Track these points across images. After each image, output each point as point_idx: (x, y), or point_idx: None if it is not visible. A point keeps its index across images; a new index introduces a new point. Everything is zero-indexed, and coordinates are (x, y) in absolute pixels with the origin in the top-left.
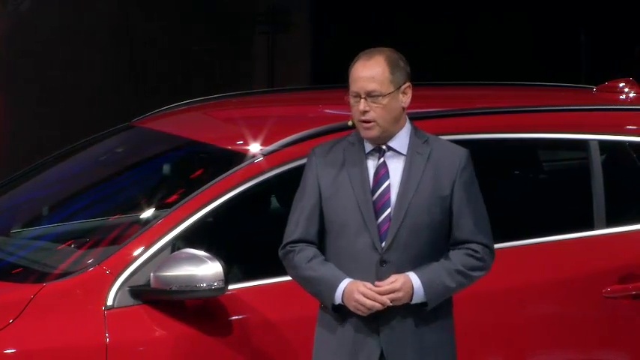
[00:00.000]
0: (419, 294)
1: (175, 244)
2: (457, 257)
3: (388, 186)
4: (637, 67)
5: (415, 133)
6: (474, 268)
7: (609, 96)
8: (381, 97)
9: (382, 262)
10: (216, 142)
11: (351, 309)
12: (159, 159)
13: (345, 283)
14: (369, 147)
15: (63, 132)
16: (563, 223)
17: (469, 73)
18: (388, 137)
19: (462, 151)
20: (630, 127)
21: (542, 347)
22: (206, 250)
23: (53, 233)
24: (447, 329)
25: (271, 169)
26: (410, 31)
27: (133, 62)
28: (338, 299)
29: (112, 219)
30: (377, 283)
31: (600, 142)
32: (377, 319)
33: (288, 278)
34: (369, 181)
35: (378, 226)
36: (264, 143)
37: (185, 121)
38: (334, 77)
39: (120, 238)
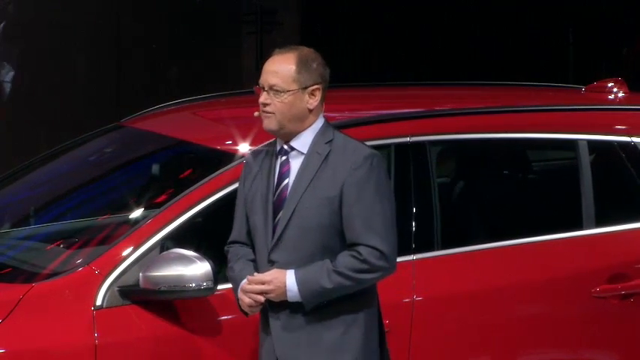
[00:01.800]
0: (293, 291)
1: (164, 244)
2: (342, 259)
3: (286, 185)
4: (625, 68)
5: (323, 132)
6: (357, 271)
7: (598, 96)
8: (282, 93)
9: (270, 261)
10: (205, 142)
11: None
12: (148, 159)
13: (244, 282)
14: (278, 148)
15: (49, 132)
16: (552, 223)
17: (458, 73)
18: (289, 135)
19: (363, 153)
20: (619, 127)
21: (531, 347)
22: (195, 250)
23: (42, 233)
24: (355, 327)
25: None
26: (398, 30)
27: (121, 62)
28: None
29: (101, 219)
30: (252, 275)
31: (589, 142)
32: (270, 319)
33: None
34: (273, 181)
35: (274, 226)
36: (252, 143)
37: (174, 121)
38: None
39: (109, 238)
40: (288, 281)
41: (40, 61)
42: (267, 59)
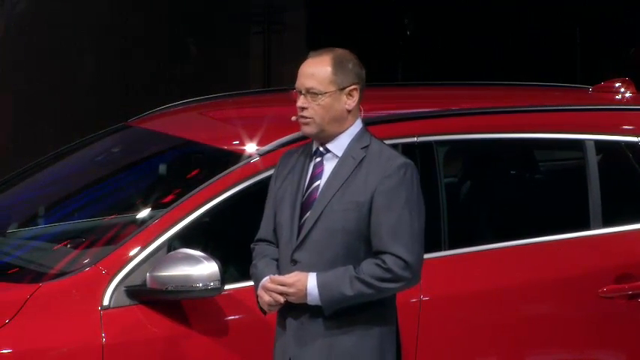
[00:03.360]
0: (313, 295)
1: (171, 244)
2: (366, 266)
3: (316, 187)
4: (633, 68)
5: (359, 137)
6: (380, 280)
7: (605, 96)
8: (319, 95)
9: (293, 261)
10: (212, 142)
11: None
12: (155, 159)
13: (265, 280)
14: (313, 149)
15: (55, 132)
16: (559, 223)
17: (465, 73)
18: (328, 138)
19: (397, 162)
20: (626, 127)
21: (538, 347)
22: (202, 250)
23: (49, 233)
24: (367, 337)
25: (267, 169)
26: (404, 30)
27: (128, 62)
28: None
29: (108, 219)
30: (275, 275)
31: (596, 142)
32: (288, 318)
33: None
34: (305, 182)
35: (299, 226)
36: (260, 143)
37: (181, 121)
38: None
39: (116, 238)
40: (309, 285)
41: (46, 62)
42: (303, 62)
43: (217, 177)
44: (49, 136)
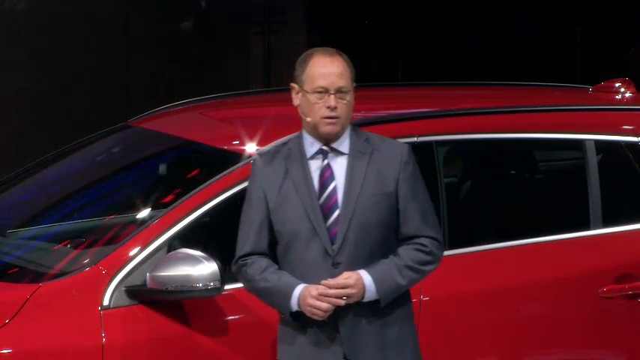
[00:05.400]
0: (371, 291)
1: (171, 244)
2: (407, 253)
3: (334, 188)
4: (632, 68)
5: (355, 132)
6: (424, 263)
7: (605, 96)
8: (346, 94)
9: (335, 264)
10: (212, 142)
11: (307, 314)
12: (155, 159)
13: (299, 289)
14: (310, 151)
15: (56, 132)
16: (559, 223)
17: (465, 73)
18: (336, 137)
19: (403, 147)
20: (626, 127)
21: (538, 347)
22: (202, 250)
23: (49, 233)
24: (406, 322)
25: None
26: (405, 30)
27: (128, 62)
28: (294, 306)
29: (108, 219)
30: (330, 280)
31: (596, 142)
32: (336, 322)
33: None
34: (314, 185)
35: (328, 230)
36: (260, 143)
37: (181, 121)
38: None
39: (116, 238)
40: (367, 282)
41: (46, 61)
42: (314, 63)
43: (217, 177)
44: (49, 137)
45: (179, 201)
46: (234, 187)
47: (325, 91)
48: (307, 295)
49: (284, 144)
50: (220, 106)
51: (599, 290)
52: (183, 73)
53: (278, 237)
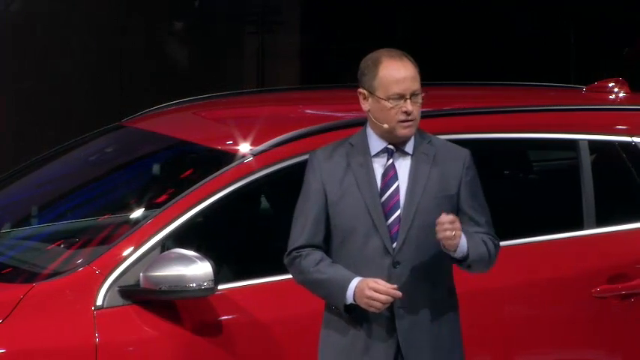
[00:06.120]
0: (462, 246)
1: (165, 244)
2: (485, 237)
3: (397, 188)
4: (626, 68)
5: (419, 133)
6: (495, 252)
7: (599, 96)
8: (419, 96)
9: (395, 263)
10: (205, 142)
11: (364, 307)
12: (148, 159)
13: (355, 281)
14: (375, 148)
15: (50, 132)
16: (552, 223)
17: (459, 73)
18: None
19: (465, 152)
20: (620, 127)
21: (531, 347)
22: (196, 250)
23: (43, 233)
24: (457, 330)
25: (261, 169)
26: (399, 30)
27: (122, 62)
28: (350, 299)
29: (102, 219)
30: (443, 216)
31: (590, 142)
32: (392, 319)
33: (278, 278)
34: (376, 183)
35: (388, 228)
36: (253, 143)
37: (175, 121)
38: (324, 77)
39: (109, 238)
40: (461, 242)
41: (40, 61)
42: (386, 68)
43: (211, 177)
44: (47, 137)
45: (172, 201)
46: (227, 187)
47: (401, 97)
48: (365, 287)
49: (344, 140)
50: (214, 106)
51: (593, 290)
52: (178, 73)
53: (334, 231)
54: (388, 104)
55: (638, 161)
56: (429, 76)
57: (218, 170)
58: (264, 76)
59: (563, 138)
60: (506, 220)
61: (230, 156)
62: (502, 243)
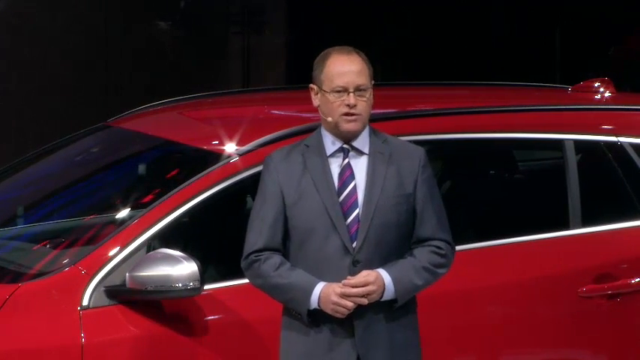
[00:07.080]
0: (389, 290)
1: (151, 244)
2: (423, 255)
3: (354, 187)
4: (612, 68)
5: (373, 132)
6: (438, 265)
7: (585, 96)
8: (366, 92)
9: (355, 262)
10: (191, 142)
11: (329, 312)
12: (134, 159)
13: (319, 287)
14: (330, 149)
15: (35, 132)
16: (538, 223)
17: (445, 72)
18: (356, 135)
19: (421, 150)
20: (605, 126)
21: (517, 347)
22: (182, 250)
23: (29, 233)
24: (413, 328)
25: (247, 169)
26: (385, 30)
27: (108, 61)
28: (314, 304)
29: (88, 219)
30: (349, 278)
31: (576, 141)
32: (351, 321)
33: None
34: (334, 183)
35: (348, 227)
36: (239, 143)
37: (160, 121)
38: (310, 77)
39: (95, 238)
40: (386, 281)
41: (26, 62)
42: (332, 62)
43: (196, 177)
44: (33, 137)
45: (158, 201)
46: (213, 187)
47: (344, 90)
48: (331, 293)
49: (299, 142)
50: (199, 106)
51: (579, 290)
52: (163, 74)
53: (292, 232)
54: (331, 97)
55: (624, 161)
56: (413, 75)
57: (204, 170)
58: (250, 75)
59: (549, 138)
60: (492, 220)
61: (216, 156)
62: (488, 243)
